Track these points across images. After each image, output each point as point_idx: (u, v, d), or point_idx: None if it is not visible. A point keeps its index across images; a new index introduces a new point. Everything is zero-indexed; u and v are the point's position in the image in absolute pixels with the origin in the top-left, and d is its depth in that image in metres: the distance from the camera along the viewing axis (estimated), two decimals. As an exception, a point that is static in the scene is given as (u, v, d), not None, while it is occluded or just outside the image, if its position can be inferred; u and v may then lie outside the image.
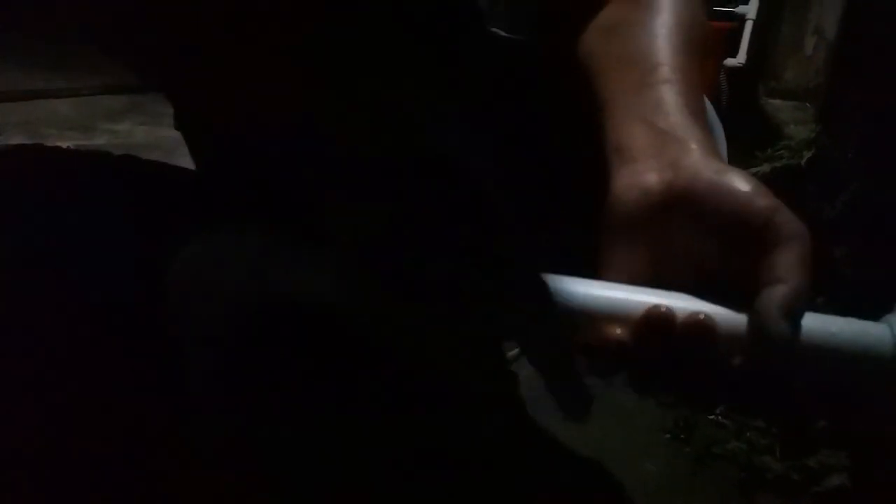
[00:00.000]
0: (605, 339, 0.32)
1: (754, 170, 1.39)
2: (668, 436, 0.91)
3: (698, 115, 0.38)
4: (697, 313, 0.31)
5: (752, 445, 0.87)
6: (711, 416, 0.94)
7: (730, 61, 2.33)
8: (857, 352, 0.31)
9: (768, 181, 1.19)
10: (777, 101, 1.96)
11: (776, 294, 0.30)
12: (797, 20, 2.06)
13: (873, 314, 0.35)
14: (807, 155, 1.19)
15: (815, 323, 0.32)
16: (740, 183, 0.33)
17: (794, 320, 0.30)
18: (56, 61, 2.74)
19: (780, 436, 0.87)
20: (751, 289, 0.32)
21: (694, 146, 0.36)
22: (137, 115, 2.30)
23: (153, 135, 2.12)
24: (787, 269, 0.31)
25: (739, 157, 1.68)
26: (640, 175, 0.36)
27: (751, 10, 2.31)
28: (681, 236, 0.35)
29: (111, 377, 0.37)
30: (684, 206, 0.34)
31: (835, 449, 0.75)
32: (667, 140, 0.37)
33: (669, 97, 0.39)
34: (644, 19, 0.44)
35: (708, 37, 0.49)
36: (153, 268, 0.38)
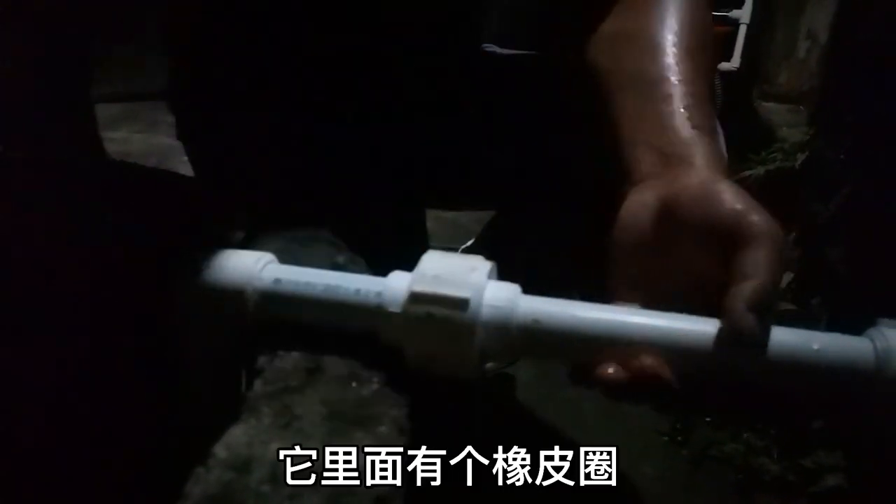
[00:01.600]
0: (593, 370, 0.32)
1: (748, 172, 1.40)
2: (665, 438, 0.91)
3: (703, 126, 0.39)
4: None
5: (749, 447, 0.87)
6: (708, 419, 0.94)
7: (724, 65, 2.34)
8: (841, 366, 0.32)
9: (762, 184, 1.20)
10: (771, 104, 1.98)
11: (743, 290, 0.31)
12: (790, 24, 2.08)
13: (867, 315, 0.35)
14: (800, 157, 1.19)
15: (798, 338, 0.32)
16: (718, 188, 0.34)
17: (762, 315, 0.31)
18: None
19: (777, 437, 0.87)
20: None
21: (699, 161, 0.36)
22: (133, 123, 2.31)
23: (149, 142, 2.12)
24: (754, 266, 0.31)
25: (734, 160, 1.70)
26: (641, 195, 0.37)
27: (744, 15, 2.32)
28: (678, 249, 0.35)
29: (112, 379, 0.37)
30: (675, 219, 0.35)
31: (830, 449, 0.76)
32: (671, 161, 0.37)
33: (674, 113, 0.39)
34: (648, 27, 0.44)
35: (714, 35, 0.48)
36: (147, 274, 0.38)
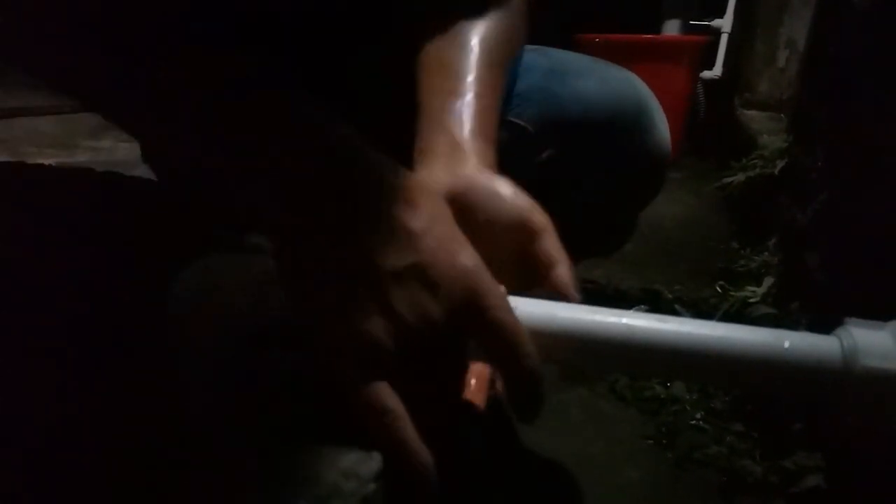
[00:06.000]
0: None
1: (729, 179, 1.42)
2: (650, 442, 0.92)
3: (488, 127, 0.45)
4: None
5: (732, 449, 0.88)
6: (692, 422, 0.95)
7: (706, 74, 2.38)
8: (810, 364, 0.33)
9: (743, 190, 1.21)
10: (752, 112, 2.01)
11: (562, 272, 0.38)
12: (770, 34, 2.11)
13: (842, 317, 0.37)
14: (780, 164, 1.21)
15: (770, 337, 0.33)
16: (503, 188, 0.40)
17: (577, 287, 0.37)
18: (36, 80, 2.72)
19: (760, 439, 0.88)
20: (529, 269, 0.39)
21: (474, 159, 0.42)
22: (119, 132, 2.29)
23: (135, 152, 2.11)
24: (556, 252, 0.38)
25: (716, 166, 1.72)
26: (429, 178, 0.42)
27: (726, 24, 2.36)
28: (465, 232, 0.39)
29: (94, 394, 0.37)
30: (462, 207, 0.39)
31: (810, 451, 0.77)
32: (457, 151, 0.43)
33: (469, 110, 0.45)
34: (468, 32, 0.51)
35: (516, 49, 0.56)
36: (139, 283, 0.38)
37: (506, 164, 0.64)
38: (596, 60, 0.67)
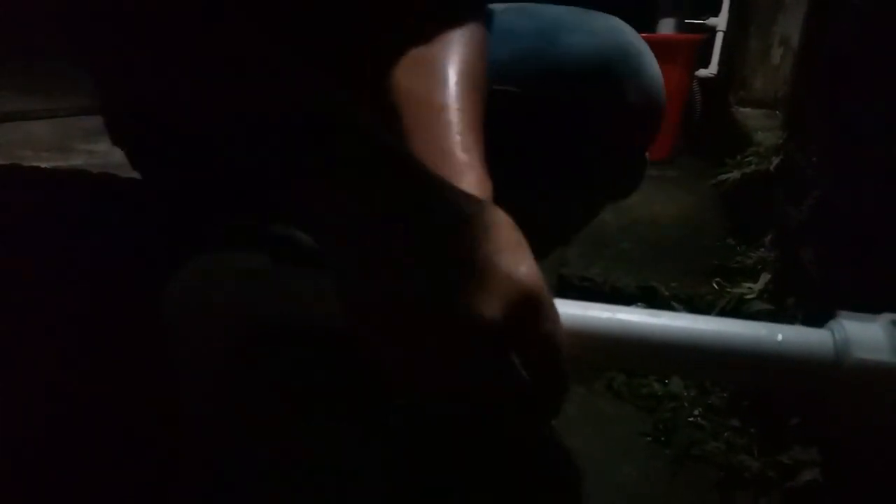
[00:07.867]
0: None
1: (724, 176, 1.43)
2: (647, 439, 0.92)
3: (472, 150, 0.46)
4: None
5: (729, 445, 0.89)
6: (690, 419, 0.96)
7: (702, 72, 2.38)
8: (802, 357, 0.33)
9: (738, 187, 1.21)
10: (747, 110, 2.01)
11: None
12: (765, 32, 2.12)
13: (837, 311, 0.37)
14: (775, 161, 1.22)
15: (763, 330, 0.34)
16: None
17: None
18: (31, 84, 2.72)
19: (758, 434, 0.88)
20: None
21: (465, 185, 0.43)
22: (115, 134, 2.29)
23: (131, 154, 2.10)
24: None
25: (712, 164, 1.73)
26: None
27: (721, 22, 2.37)
28: None
29: (89, 394, 0.37)
30: None
31: (806, 445, 0.77)
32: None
33: (450, 139, 0.47)
34: (441, 61, 0.52)
35: (483, 76, 0.56)
36: (134, 282, 0.38)
37: (500, 132, 0.66)
38: (581, 11, 0.69)
